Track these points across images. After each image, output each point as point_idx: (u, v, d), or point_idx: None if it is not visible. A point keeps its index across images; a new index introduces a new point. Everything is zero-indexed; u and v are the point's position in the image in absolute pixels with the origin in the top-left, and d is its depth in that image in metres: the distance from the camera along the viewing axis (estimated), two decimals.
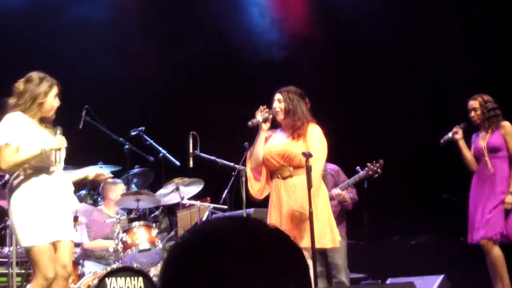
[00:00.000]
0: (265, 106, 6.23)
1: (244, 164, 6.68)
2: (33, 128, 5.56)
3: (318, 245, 5.91)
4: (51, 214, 5.50)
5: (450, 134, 7.54)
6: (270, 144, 6.22)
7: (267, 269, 1.50)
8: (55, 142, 5.55)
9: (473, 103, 7.39)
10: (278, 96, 6.26)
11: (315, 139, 6.14)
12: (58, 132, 5.64)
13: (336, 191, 7.41)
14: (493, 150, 7.31)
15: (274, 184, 6.16)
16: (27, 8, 10.59)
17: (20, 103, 5.57)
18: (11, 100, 5.59)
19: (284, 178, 6.11)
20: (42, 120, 5.66)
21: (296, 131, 6.13)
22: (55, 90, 5.67)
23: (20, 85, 5.62)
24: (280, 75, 10.07)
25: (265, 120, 6.18)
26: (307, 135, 6.12)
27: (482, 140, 7.38)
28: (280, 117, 6.22)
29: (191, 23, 10.90)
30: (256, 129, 6.23)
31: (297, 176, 6.06)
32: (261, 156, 6.15)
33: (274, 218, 6.05)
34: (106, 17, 10.84)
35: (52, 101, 5.65)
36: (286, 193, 6.07)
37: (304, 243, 5.85)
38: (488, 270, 7.34)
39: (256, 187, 6.24)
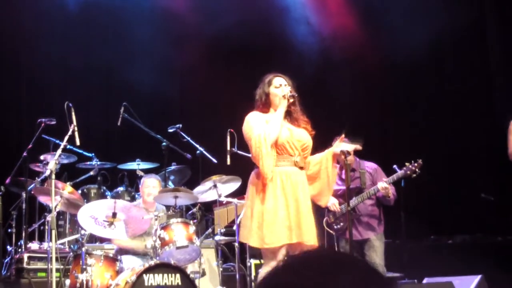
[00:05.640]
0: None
1: None
2: None
3: (313, 242, 5.81)
4: None
5: None
6: (293, 131, 5.89)
7: None
8: None
9: None
10: (287, 81, 5.99)
11: None
12: None
13: (383, 184, 7.37)
14: None
15: (284, 171, 5.80)
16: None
17: None
18: None
19: (301, 168, 5.88)
20: None
21: (308, 125, 5.97)
22: None
23: None
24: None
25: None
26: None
27: None
28: (290, 101, 5.94)
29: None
30: None
31: (304, 170, 5.93)
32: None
33: (281, 207, 5.69)
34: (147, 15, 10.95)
35: None
36: (300, 183, 5.81)
37: (313, 240, 5.76)
38: None
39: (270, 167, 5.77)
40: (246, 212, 5.97)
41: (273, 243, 5.67)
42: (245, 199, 6.08)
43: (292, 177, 5.81)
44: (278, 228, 5.66)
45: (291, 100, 5.91)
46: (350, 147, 5.91)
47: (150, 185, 8.01)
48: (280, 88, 5.97)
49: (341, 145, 5.92)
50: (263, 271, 5.83)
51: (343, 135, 5.90)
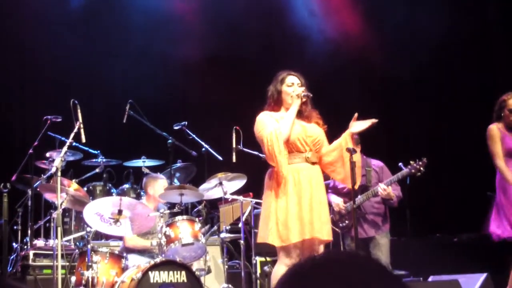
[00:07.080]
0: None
1: None
2: None
3: (326, 237, 5.86)
4: None
5: None
6: (305, 127, 5.94)
7: None
8: None
9: None
10: (300, 80, 6.02)
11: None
12: None
13: (383, 186, 7.35)
14: None
15: (295, 168, 5.82)
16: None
17: None
18: None
19: (313, 164, 5.90)
20: None
21: (320, 120, 6.02)
22: None
23: None
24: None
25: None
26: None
27: None
28: (303, 100, 5.96)
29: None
30: None
31: (318, 165, 5.96)
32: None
33: (294, 205, 5.73)
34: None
35: None
36: (313, 178, 5.84)
37: (326, 235, 5.81)
38: None
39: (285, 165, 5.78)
40: (262, 213, 6.00)
41: (288, 240, 5.69)
42: (263, 200, 6.08)
43: (304, 172, 5.83)
44: (291, 225, 5.68)
45: (304, 100, 5.93)
46: (365, 124, 5.91)
47: (156, 185, 8.03)
48: (292, 86, 5.98)
49: (356, 123, 5.92)
50: (277, 269, 5.84)
51: (356, 115, 5.91)
